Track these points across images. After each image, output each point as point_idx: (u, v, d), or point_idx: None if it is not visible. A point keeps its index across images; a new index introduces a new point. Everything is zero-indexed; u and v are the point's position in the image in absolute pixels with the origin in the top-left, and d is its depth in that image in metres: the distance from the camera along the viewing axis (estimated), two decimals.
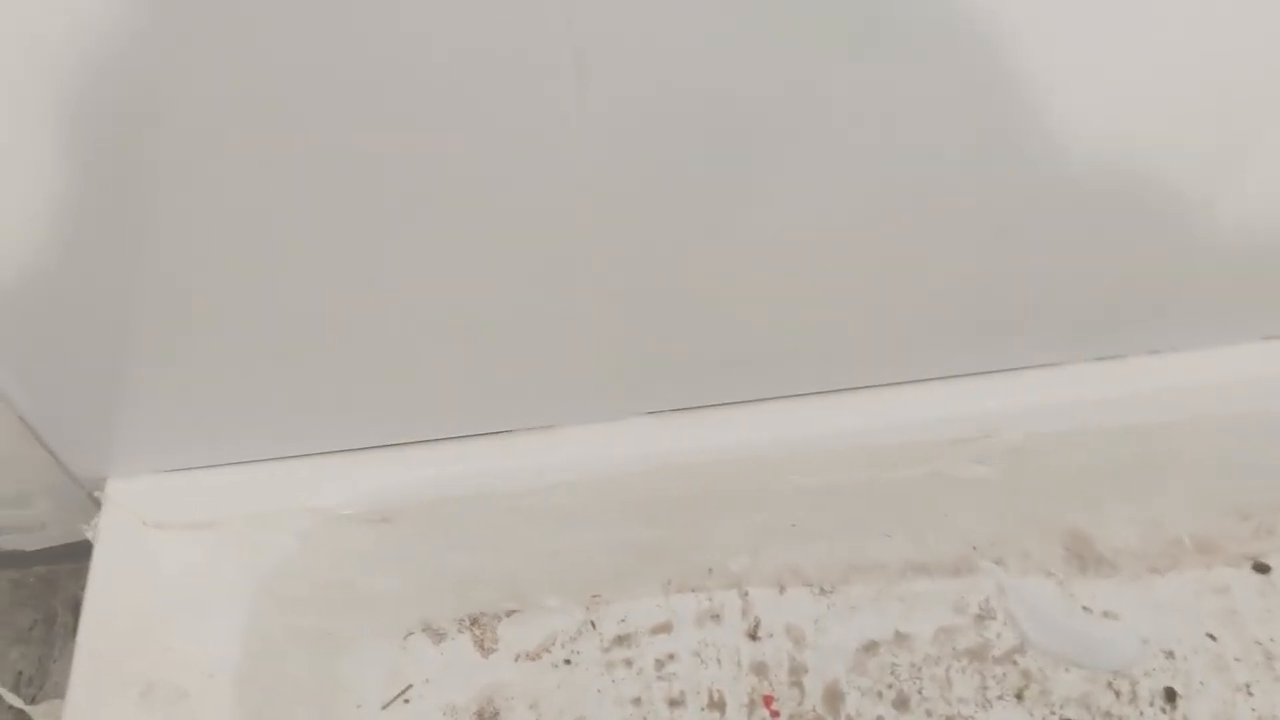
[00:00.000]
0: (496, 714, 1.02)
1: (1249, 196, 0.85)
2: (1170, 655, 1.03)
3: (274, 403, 0.92)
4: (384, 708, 1.02)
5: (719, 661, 1.04)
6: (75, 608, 1.04)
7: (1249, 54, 0.75)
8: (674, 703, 1.02)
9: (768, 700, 1.02)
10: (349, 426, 0.96)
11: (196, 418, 0.93)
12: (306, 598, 0.97)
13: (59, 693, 1.01)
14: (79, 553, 1.02)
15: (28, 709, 1.01)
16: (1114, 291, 0.92)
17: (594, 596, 1.07)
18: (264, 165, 0.73)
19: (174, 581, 0.93)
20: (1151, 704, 1.01)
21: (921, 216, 0.84)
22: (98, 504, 0.96)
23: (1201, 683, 1.02)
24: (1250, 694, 1.01)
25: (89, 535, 0.95)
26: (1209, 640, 1.04)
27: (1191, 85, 0.76)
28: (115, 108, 0.67)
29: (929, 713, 1.01)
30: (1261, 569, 1.07)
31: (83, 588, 1.05)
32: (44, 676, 1.04)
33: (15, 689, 1.03)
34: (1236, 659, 1.03)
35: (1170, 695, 1.01)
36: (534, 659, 1.05)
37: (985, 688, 1.03)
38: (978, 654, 1.04)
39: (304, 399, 0.92)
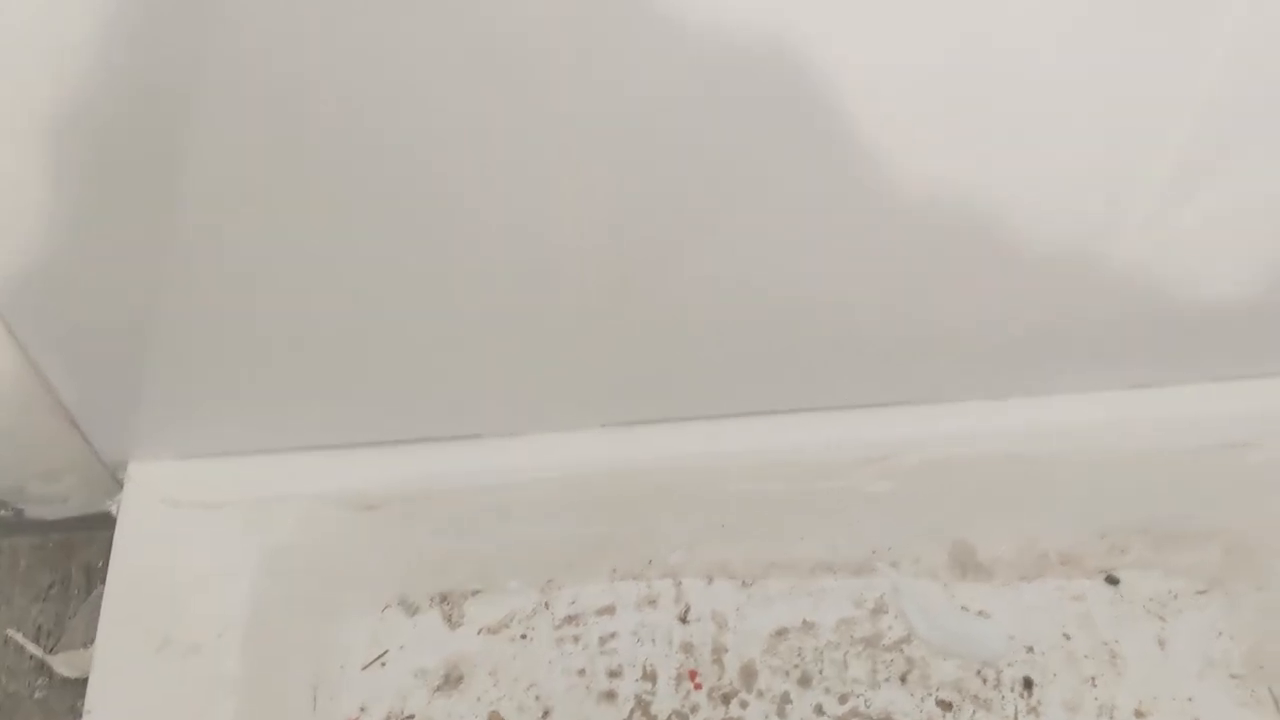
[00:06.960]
0: (461, 678, 1.08)
1: (1121, 262, 0.91)
2: (1031, 650, 1.11)
3: (278, 402, 0.99)
4: (364, 668, 1.08)
5: (654, 640, 1.11)
6: (89, 571, 1.12)
7: (1133, 113, 0.78)
8: (613, 674, 1.09)
9: (693, 674, 1.10)
10: (343, 425, 1.02)
11: (211, 412, 0.99)
12: (301, 571, 1.02)
13: (74, 644, 1.07)
14: (94, 523, 1.09)
15: (47, 658, 1.06)
16: (1001, 341, 0.99)
17: (549, 581, 1.14)
18: (284, 187, 0.78)
19: (188, 553, 0.98)
20: (1012, 689, 1.09)
21: (849, 271, 0.91)
22: (119, 483, 1.02)
23: (1055, 674, 1.10)
24: (1094, 685, 1.09)
25: (112, 510, 1.02)
26: (1064, 639, 1.12)
27: (1074, 149, 0.80)
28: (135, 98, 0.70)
29: (827, 690, 1.09)
30: (1112, 581, 1.15)
31: (96, 553, 1.11)
32: (60, 630, 1.09)
33: (35, 640, 1.08)
34: (1086, 655, 1.11)
35: (1028, 683, 1.10)
36: (495, 633, 1.12)
37: (875, 671, 1.11)
38: (871, 642, 1.12)
39: (303, 400, 0.99)
